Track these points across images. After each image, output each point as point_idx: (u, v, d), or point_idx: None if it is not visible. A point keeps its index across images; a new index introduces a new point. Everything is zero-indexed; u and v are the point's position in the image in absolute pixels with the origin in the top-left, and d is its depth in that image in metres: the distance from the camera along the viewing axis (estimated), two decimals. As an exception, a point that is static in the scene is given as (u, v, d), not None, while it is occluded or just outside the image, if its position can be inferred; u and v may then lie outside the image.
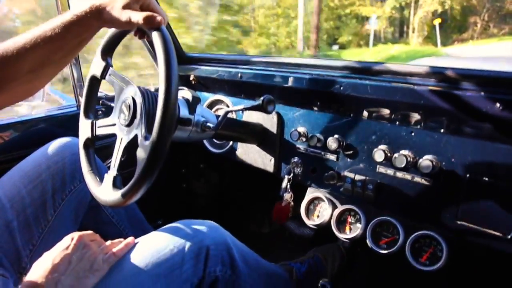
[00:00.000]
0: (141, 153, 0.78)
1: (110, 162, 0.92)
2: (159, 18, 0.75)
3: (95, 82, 1.02)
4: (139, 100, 0.87)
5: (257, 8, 12.91)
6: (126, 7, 0.75)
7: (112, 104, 1.00)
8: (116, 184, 0.88)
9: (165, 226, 0.92)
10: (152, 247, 0.85)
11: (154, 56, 1.61)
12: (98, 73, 0.97)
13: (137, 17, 0.74)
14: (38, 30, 0.75)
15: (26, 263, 0.97)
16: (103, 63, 0.95)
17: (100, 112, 1.39)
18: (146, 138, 0.79)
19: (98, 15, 0.76)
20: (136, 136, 0.84)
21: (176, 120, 0.96)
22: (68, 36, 0.76)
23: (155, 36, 0.75)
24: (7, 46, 0.74)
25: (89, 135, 1.01)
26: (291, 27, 13.51)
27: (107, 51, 0.96)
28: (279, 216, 1.29)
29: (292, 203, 1.27)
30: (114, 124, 0.94)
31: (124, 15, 0.74)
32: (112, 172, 0.89)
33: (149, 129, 0.79)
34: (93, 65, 0.99)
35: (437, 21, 14.96)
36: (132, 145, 0.85)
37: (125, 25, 0.76)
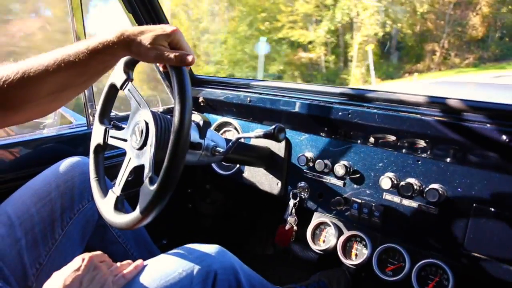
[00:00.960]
0: (144, 194, 0.79)
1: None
2: (190, 57, 0.75)
3: (113, 90, 1.03)
4: (152, 128, 0.88)
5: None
6: (155, 41, 0.74)
7: (123, 126, 1.01)
8: (117, 207, 0.89)
9: (173, 250, 0.93)
10: (161, 270, 0.85)
11: (169, 83, 1.63)
12: (118, 83, 0.97)
13: (169, 56, 0.74)
14: (61, 54, 0.74)
15: (32, 282, 0.97)
16: (124, 76, 0.95)
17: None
18: (151, 181, 0.80)
19: (126, 46, 0.75)
20: (143, 167, 0.85)
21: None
22: (92, 63, 0.76)
23: (177, 75, 0.77)
24: (29, 67, 0.73)
25: (100, 141, 1.02)
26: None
27: (130, 65, 0.96)
28: (281, 239, 1.29)
29: (295, 227, 1.28)
30: (125, 140, 0.95)
31: (153, 52, 0.74)
32: (117, 190, 0.90)
33: (157, 168, 0.80)
34: (114, 74, 0.99)
35: (369, 47, 11.39)
36: (139, 170, 0.87)
37: (154, 61, 0.77)
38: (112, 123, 1.07)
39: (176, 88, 0.76)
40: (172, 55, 0.74)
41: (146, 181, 0.81)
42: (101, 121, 1.05)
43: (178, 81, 0.76)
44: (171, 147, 0.75)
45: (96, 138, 1.04)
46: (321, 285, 1.37)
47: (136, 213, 0.80)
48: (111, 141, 1.01)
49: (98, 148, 1.04)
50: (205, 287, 0.86)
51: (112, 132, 1.02)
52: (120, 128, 1.02)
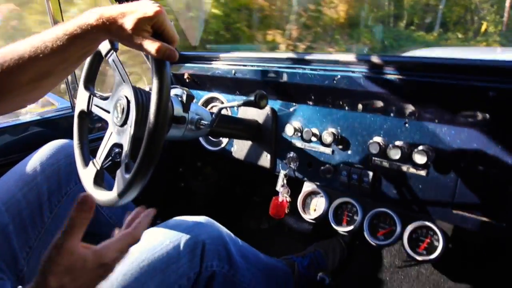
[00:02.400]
0: (120, 179, 0.78)
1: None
2: (174, 53, 0.71)
3: (97, 57, 1.00)
4: (132, 106, 0.86)
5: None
6: (137, 25, 0.69)
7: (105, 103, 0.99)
8: (97, 181, 0.88)
9: (161, 224, 0.93)
10: (148, 243, 0.86)
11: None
12: (103, 51, 0.94)
13: (150, 46, 0.70)
14: (38, 41, 0.70)
15: (23, 265, 0.97)
16: (109, 45, 0.92)
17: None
18: (127, 169, 0.78)
19: (106, 29, 0.70)
20: (122, 147, 0.84)
21: (170, 119, 0.96)
22: (71, 49, 0.71)
23: (157, 66, 0.73)
24: (4, 56, 0.69)
25: (84, 108, 1.01)
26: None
27: None
28: (276, 211, 1.29)
29: (289, 198, 1.27)
30: (108, 112, 0.93)
31: (135, 39, 0.70)
32: (97, 163, 0.89)
33: (133, 152, 0.78)
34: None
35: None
36: (120, 148, 0.86)
37: (135, 47, 0.72)
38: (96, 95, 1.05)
39: (155, 82, 0.73)
40: (154, 47, 0.70)
41: (123, 166, 0.80)
42: (86, 87, 1.03)
43: (157, 73, 0.73)
44: (145, 146, 0.72)
45: (80, 104, 1.02)
46: (317, 255, 1.38)
47: (112, 195, 0.79)
48: (94, 109, 0.99)
49: (82, 114, 1.02)
50: (193, 257, 0.86)
51: (96, 100, 0.99)
52: (105, 98, 1.00)
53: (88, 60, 1.01)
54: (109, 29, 0.70)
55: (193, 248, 0.87)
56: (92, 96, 1.00)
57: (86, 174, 0.92)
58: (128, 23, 0.69)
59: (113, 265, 0.65)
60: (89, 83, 1.03)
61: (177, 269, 0.85)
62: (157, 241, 0.86)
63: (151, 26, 0.71)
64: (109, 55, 0.92)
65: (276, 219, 1.30)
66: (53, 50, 0.69)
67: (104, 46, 0.93)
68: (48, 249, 0.58)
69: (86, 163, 0.95)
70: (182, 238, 0.87)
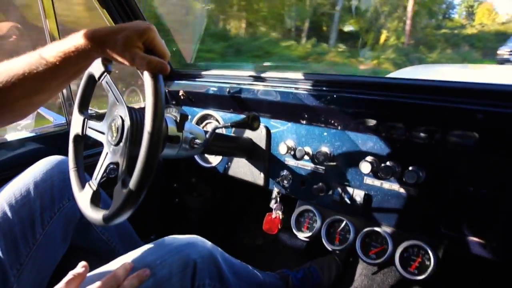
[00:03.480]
0: (117, 195, 0.78)
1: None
2: (165, 66, 0.73)
3: (91, 81, 1.00)
4: (127, 126, 0.86)
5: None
6: (129, 41, 0.71)
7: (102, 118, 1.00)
8: (94, 201, 0.89)
9: (151, 243, 0.93)
10: (139, 263, 0.86)
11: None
12: (96, 74, 0.94)
13: (142, 61, 0.71)
14: (33, 58, 0.72)
15: (13, 283, 0.96)
16: (102, 68, 0.92)
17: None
18: (124, 184, 0.78)
19: (99, 48, 0.72)
20: (118, 165, 0.85)
21: (164, 138, 0.97)
22: (65, 66, 0.73)
23: (149, 82, 0.74)
24: (0, 73, 0.71)
25: (79, 131, 1.01)
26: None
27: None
28: (269, 226, 1.30)
29: (282, 215, 1.28)
30: (103, 133, 0.94)
31: (127, 55, 0.72)
32: (93, 184, 0.90)
33: (129, 168, 0.79)
34: (93, 64, 0.95)
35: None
36: (116, 166, 0.86)
37: (128, 63, 0.74)
38: (91, 116, 1.05)
39: (149, 97, 0.74)
40: (146, 61, 0.72)
41: (119, 182, 0.81)
42: (80, 111, 1.03)
43: (151, 88, 0.74)
44: (141, 162, 0.73)
45: (75, 128, 1.03)
46: (312, 270, 1.38)
47: (109, 212, 0.80)
48: (89, 132, 1.00)
49: (77, 138, 1.03)
50: (184, 276, 0.86)
51: (91, 123, 1.00)
52: (99, 120, 1.01)
53: (81, 84, 1.02)
54: (101, 47, 0.72)
55: (184, 267, 0.87)
56: (86, 119, 1.01)
57: (83, 197, 0.92)
58: (120, 41, 0.71)
59: None
60: (83, 107, 1.04)
61: (169, 287, 0.86)
62: (148, 259, 0.86)
63: (142, 42, 0.73)
64: (102, 77, 0.93)
65: (269, 234, 1.31)
66: (47, 68, 0.71)
67: (97, 69, 0.94)
68: None
69: (82, 186, 0.95)
70: (173, 257, 0.87)
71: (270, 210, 1.30)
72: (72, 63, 0.74)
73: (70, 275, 0.75)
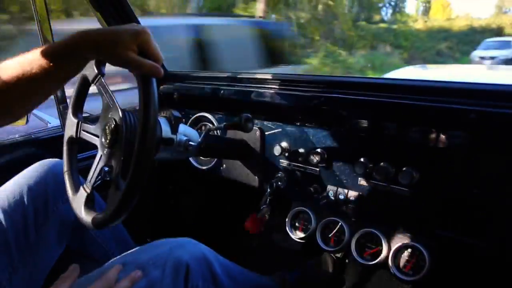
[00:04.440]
0: (111, 198, 0.78)
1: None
2: (159, 69, 0.73)
3: (85, 83, 1.00)
4: (121, 128, 0.86)
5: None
6: (123, 45, 0.71)
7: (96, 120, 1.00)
8: (88, 205, 0.88)
9: (143, 245, 0.93)
10: (132, 262, 0.86)
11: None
12: (89, 77, 0.95)
13: (136, 64, 0.72)
14: (26, 59, 0.71)
15: (4, 286, 0.96)
16: (95, 71, 0.92)
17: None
18: (118, 187, 0.78)
19: (93, 49, 0.72)
20: (112, 168, 0.85)
21: (158, 141, 0.97)
22: (59, 68, 0.72)
23: (143, 83, 0.74)
24: None
25: (73, 134, 1.01)
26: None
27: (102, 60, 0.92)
28: (251, 226, 1.31)
29: (267, 217, 1.28)
30: (97, 136, 0.94)
31: (121, 57, 0.71)
32: (88, 187, 0.89)
33: (124, 171, 0.79)
34: (86, 67, 0.96)
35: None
36: (110, 168, 0.86)
37: (121, 65, 0.74)
38: (85, 119, 1.05)
39: (142, 99, 0.74)
40: (140, 64, 0.72)
41: (113, 185, 0.80)
42: (75, 114, 1.03)
43: (143, 90, 0.74)
44: (135, 164, 0.73)
45: (69, 130, 1.02)
46: (307, 272, 1.38)
47: (103, 216, 0.79)
48: (83, 135, 1.00)
49: (71, 141, 1.02)
50: (177, 278, 0.86)
51: (85, 126, 1.00)
52: (93, 123, 1.00)
53: (75, 87, 1.02)
54: (96, 48, 0.72)
55: (176, 269, 0.87)
56: (80, 122, 1.01)
57: (77, 200, 0.92)
58: (114, 42, 0.71)
59: None
60: (78, 110, 1.03)
61: None
62: (140, 261, 0.86)
63: (137, 45, 0.73)
64: (96, 80, 0.93)
65: (251, 232, 1.31)
66: (41, 69, 0.71)
67: (90, 72, 0.94)
68: None
69: (76, 189, 0.94)
70: (165, 259, 0.87)
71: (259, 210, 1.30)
72: (66, 65, 0.73)
73: (60, 278, 0.75)
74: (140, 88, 0.74)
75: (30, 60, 0.71)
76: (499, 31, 14.41)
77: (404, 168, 0.98)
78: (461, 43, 13.59)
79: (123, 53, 0.71)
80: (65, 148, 1.02)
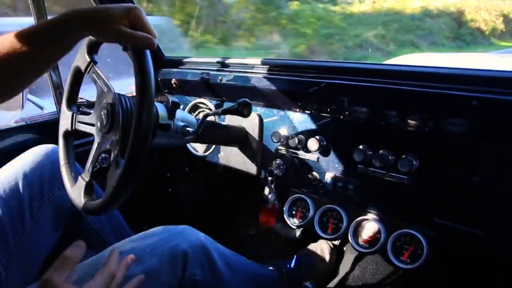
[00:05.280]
0: (111, 178, 0.78)
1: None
2: (152, 40, 0.72)
3: (78, 74, 1.00)
4: (117, 110, 0.86)
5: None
6: (114, 19, 0.71)
7: (91, 111, 0.99)
8: (87, 192, 0.88)
9: (141, 233, 0.92)
10: (129, 251, 0.85)
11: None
12: (82, 67, 0.94)
13: (128, 37, 0.71)
14: (16, 37, 0.70)
15: (0, 272, 0.95)
16: (88, 59, 0.92)
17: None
18: (117, 165, 0.78)
19: (85, 25, 0.72)
20: (110, 151, 0.83)
21: (155, 126, 0.96)
22: (50, 45, 0.72)
23: (136, 58, 0.73)
24: None
25: (68, 127, 1.00)
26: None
27: (93, 47, 0.93)
28: (266, 219, 1.30)
29: (278, 204, 1.28)
30: (93, 125, 0.93)
31: (112, 31, 0.71)
32: (86, 176, 0.88)
33: (122, 150, 0.78)
34: (78, 57, 0.96)
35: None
36: (108, 154, 0.85)
37: (114, 40, 0.74)
38: (80, 109, 1.04)
39: (137, 71, 0.73)
40: (132, 37, 0.71)
41: (113, 164, 0.80)
42: (69, 106, 1.03)
43: (138, 64, 0.73)
44: (134, 134, 0.72)
45: (64, 123, 1.02)
46: (305, 259, 1.38)
47: (104, 198, 0.79)
48: (79, 126, 0.99)
49: (67, 133, 1.02)
50: (174, 266, 0.86)
51: (80, 117, 0.99)
52: (88, 113, 1.00)
53: (68, 79, 1.01)
54: (88, 24, 0.71)
55: (174, 257, 0.86)
56: (75, 114, 1.00)
57: (76, 190, 0.91)
58: (106, 18, 0.70)
59: None
60: (72, 102, 1.03)
61: (158, 277, 0.85)
62: (137, 249, 0.85)
63: (128, 20, 0.72)
64: (88, 69, 0.92)
65: (265, 226, 1.30)
66: (32, 47, 0.70)
67: (83, 61, 0.93)
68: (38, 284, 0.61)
69: (75, 180, 0.94)
70: (163, 247, 0.87)
71: (263, 200, 1.29)
72: (58, 43, 0.73)
73: (62, 257, 0.67)
74: (134, 62, 0.74)
75: (21, 36, 0.70)
76: (458, 16, 12.18)
77: (403, 156, 0.97)
78: (403, 30, 10.61)
79: (115, 28, 0.71)
80: (61, 141, 1.01)
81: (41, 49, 0.71)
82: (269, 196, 1.28)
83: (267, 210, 1.28)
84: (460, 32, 11.83)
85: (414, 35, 10.55)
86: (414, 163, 0.95)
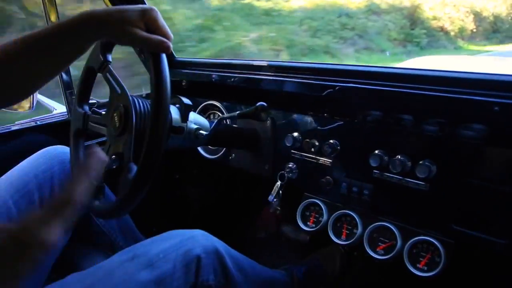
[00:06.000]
0: (123, 184, 0.77)
1: None
2: (167, 44, 0.72)
3: (91, 74, 0.99)
4: (130, 114, 0.85)
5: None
6: (129, 22, 0.69)
7: (103, 112, 0.98)
8: (97, 195, 0.87)
9: (154, 237, 0.91)
10: (142, 255, 0.84)
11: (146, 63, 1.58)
12: (95, 66, 0.93)
13: (143, 40, 0.70)
14: (31, 39, 0.69)
15: None
16: (101, 58, 0.91)
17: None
18: (130, 171, 0.77)
19: (98, 28, 0.71)
20: (122, 155, 0.82)
21: (169, 129, 0.94)
22: (64, 48, 0.71)
23: (152, 62, 0.73)
24: None
25: (80, 126, 0.99)
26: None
27: (107, 47, 0.91)
28: (266, 221, 1.29)
29: (279, 209, 1.26)
30: (105, 125, 0.92)
31: (127, 34, 0.70)
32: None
33: (135, 155, 0.77)
34: (91, 57, 0.95)
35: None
36: (122, 157, 0.84)
37: (128, 43, 0.73)
38: (91, 109, 1.03)
39: (153, 76, 0.73)
40: (147, 39, 0.70)
41: (125, 169, 0.79)
42: (80, 106, 1.02)
43: (154, 68, 0.73)
44: (148, 141, 0.72)
45: (76, 123, 1.01)
46: (315, 263, 1.37)
47: (115, 204, 0.78)
48: (90, 126, 0.98)
49: (78, 133, 1.01)
50: (188, 271, 0.85)
51: (92, 117, 0.98)
52: (100, 114, 0.99)
53: (80, 78, 1.00)
54: (101, 26, 0.70)
55: (188, 262, 0.85)
56: (86, 114, 0.99)
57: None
58: (121, 20, 0.69)
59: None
60: (84, 101, 1.02)
61: (171, 282, 0.84)
62: (151, 253, 0.84)
63: (144, 23, 0.71)
64: (102, 68, 0.91)
65: (264, 229, 1.29)
66: (46, 49, 0.69)
67: (96, 61, 0.92)
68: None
69: None
70: (176, 252, 0.86)
71: (266, 202, 1.27)
72: (72, 45, 0.72)
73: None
74: (150, 65, 0.73)
75: (35, 38, 0.69)
76: (412, 12, 9.41)
77: (421, 162, 0.95)
78: (324, 30, 7.98)
79: (130, 30, 0.70)
80: (72, 141, 1.00)
81: (54, 51, 0.71)
82: (274, 200, 1.26)
83: (267, 214, 1.27)
84: (413, 32, 9.06)
85: (335, 37, 7.94)
86: (432, 169, 0.93)
